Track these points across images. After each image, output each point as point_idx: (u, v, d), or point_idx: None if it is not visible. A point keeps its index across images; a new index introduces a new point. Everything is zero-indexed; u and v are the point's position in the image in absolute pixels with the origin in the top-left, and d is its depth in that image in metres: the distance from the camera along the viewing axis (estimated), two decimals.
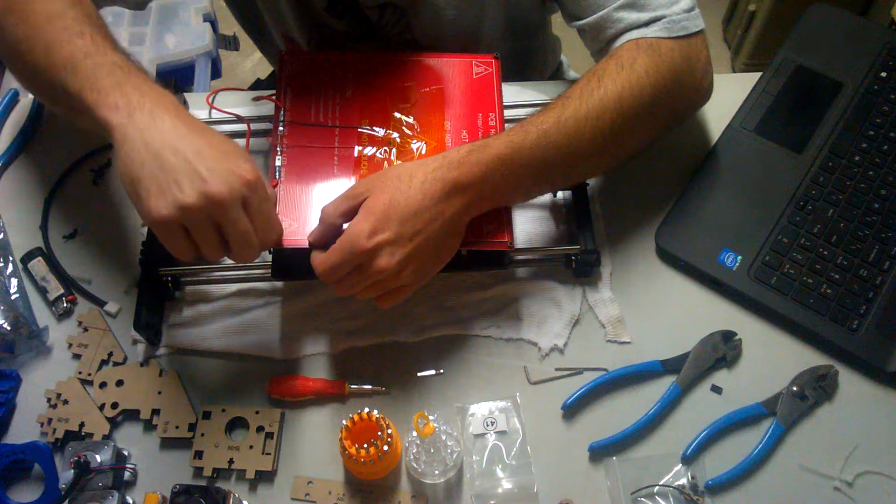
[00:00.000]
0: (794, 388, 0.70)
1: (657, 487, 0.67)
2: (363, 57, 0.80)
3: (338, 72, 0.78)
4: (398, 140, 0.75)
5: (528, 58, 1.00)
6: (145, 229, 0.77)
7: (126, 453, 0.69)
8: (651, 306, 0.76)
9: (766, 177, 0.80)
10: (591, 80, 0.69)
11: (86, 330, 0.75)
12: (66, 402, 0.71)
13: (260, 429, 0.69)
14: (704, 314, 0.75)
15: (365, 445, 0.63)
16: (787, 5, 1.66)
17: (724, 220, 0.78)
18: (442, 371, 0.73)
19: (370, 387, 0.72)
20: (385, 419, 0.65)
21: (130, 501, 0.67)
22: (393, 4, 0.82)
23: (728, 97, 0.84)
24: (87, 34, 0.64)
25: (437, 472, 0.66)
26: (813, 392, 0.70)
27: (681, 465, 0.68)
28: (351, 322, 0.74)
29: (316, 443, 0.70)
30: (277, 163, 0.73)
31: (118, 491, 0.66)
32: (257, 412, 0.70)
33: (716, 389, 0.72)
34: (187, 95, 0.85)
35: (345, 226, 0.65)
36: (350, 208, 0.64)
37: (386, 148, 0.74)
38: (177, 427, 0.70)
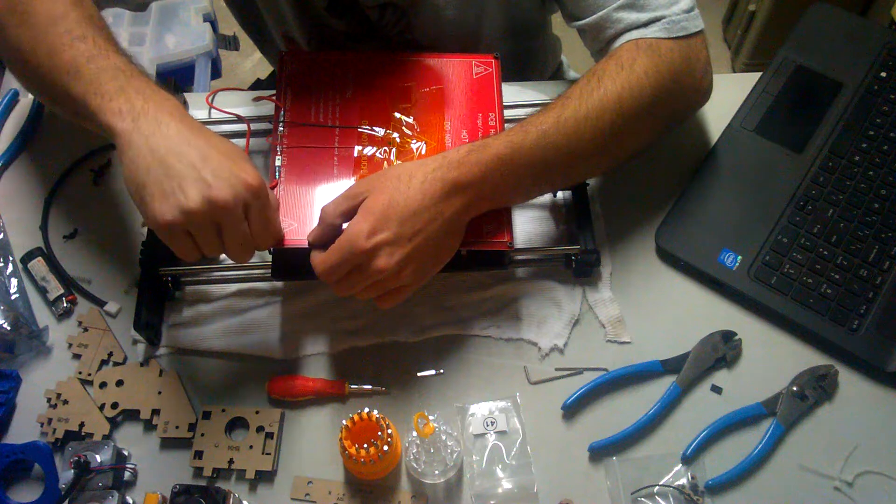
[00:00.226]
0: (794, 388, 0.70)
1: (657, 487, 0.67)
2: (363, 57, 0.80)
3: (338, 72, 0.78)
4: (398, 140, 0.75)
5: (528, 58, 1.00)
6: (145, 229, 0.77)
7: (126, 453, 0.69)
8: (651, 306, 0.76)
9: (766, 177, 0.80)
10: (591, 81, 0.69)
11: (86, 330, 0.75)
12: (66, 402, 0.71)
13: (260, 429, 0.69)
14: (704, 314, 0.75)
15: (365, 445, 0.63)
16: (787, 5, 1.66)
17: (724, 220, 0.78)
18: (442, 371, 0.73)
19: (370, 387, 0.72)
20: (385, 419, 0.65)
21: (130, 501, 0.67)
22: (393, 4, 0.82)
23: (728, 97, 0.84)
24: (90, 37, 0.64)
25: (437, 472, 0.66)
26: (813, 392, 0.70)
27: (681, 465, 0.68)
28: (351, 322, 0.74)
29: (316, 443, 0.70)
30: (277, 163, 0.73)
31: (118, 491, 0.66)
32: (257, 412, 0.70)
33: (716, 389, 0.72)
34: (187, 95, 0.85)
35: (344, 226, 0.65)
36: (350, 208, 0.64)
37: (386, 148, 0.74)
38: (177, 427, 0.70)
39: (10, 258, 0.78)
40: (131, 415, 0.71)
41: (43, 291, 0.77)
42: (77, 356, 0.74)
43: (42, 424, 0.70)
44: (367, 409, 0.64)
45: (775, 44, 0.88)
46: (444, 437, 0.65)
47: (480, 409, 0.71)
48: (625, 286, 0.76)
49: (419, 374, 0.73)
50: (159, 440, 0.70)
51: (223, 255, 0.64)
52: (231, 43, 1.44)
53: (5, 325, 0.72)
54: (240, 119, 0.80)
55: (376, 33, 0.86)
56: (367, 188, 0.65)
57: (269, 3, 0.86)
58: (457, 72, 0.79)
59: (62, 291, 0.76)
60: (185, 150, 0.58)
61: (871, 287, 0.74)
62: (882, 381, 0.72)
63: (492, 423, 0.70)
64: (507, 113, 0.78)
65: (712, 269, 0.75)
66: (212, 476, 0.68)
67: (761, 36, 1.76)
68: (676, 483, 0.67)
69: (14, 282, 0.77)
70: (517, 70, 0.95)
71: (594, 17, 0.74)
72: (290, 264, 0.72)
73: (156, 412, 0.71)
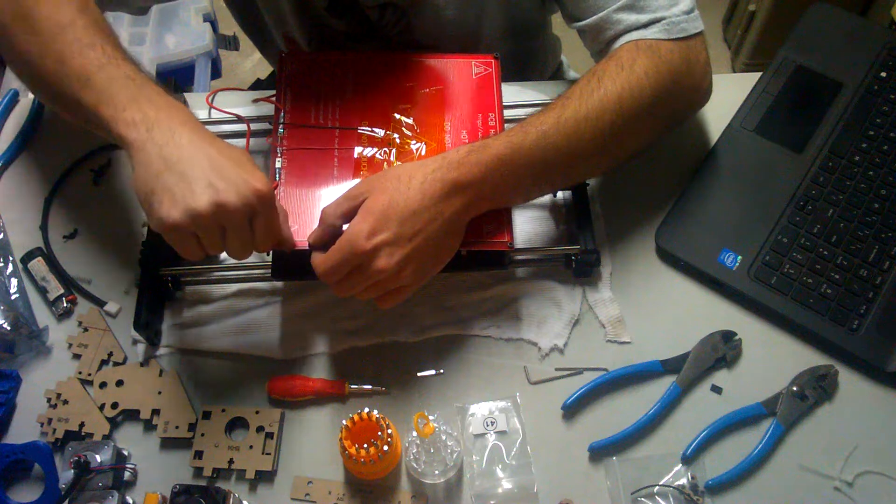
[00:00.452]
0: (794, 388, 0.70)
1: (657, 487, 0.67)
2: (363, 57, 0.80)
3: (338, 72, 0.78)
4: (398, 141, 0.75)
5: (528, 58, 1.00)
6: (145, 229, 0.77)
7: (126, 453, 0.69)
8: (651, 306, 0.76)
9: (766, 177, 0.80)
10: (591, 81, 0.69)
11: (86, 330, 0.75)
12: (66, 402, 0.71)
13: (260, 429, 0.70)
14: (704, 314, 0.75)
15: (365, 445, 0.63)
16: (787, 5, 1.66)
17: (724, 220, 0.78)
18: (442, 371, 0.73)
19: (370, 387, 0.72)
20: (385, 419, 0.65)
21: (130, 501, 0.67)
22: (393, 4, 0.82)
23: (728, 97, 0.84)
24: (99, 45, 0.64)
25: (437, 472, 0.66)
26: (813, 392, 0.70)
27: (681, 465, 0.68)
28: (351, 322, 0.74)
29: (316, 443, 0.70)
30: (277, 164, 0.73)
31: (118, 491, 0.66)
32: (257, 412, 0.70)
33: (716, 389, 0.72)
34: (187, 95, 0.85)
35: (345, 227, 0.65)
36: (350, 209, 0.64)
37: (386, 149, 0.74)
38: (177, 427, 0.70)
39: (10, 258, 0.78)
40: (131, 415, 0.71)
41: (43, 291, 0.77)
42: (77, 356, 0.74)
43: (42, 424, 0.70)
44: (367, 409, 0.64)
45: (775, 44, 0.88)
46: (444, 437, 0.65)
47: (480, 409, 0.71)
48: (625, 286, 0.76)
49: (419, 374, 0.73)
50: (159, 440, 0.70)
51: (223, 255, 0.64)
52: (231, 43, 1.45)
53: (5, 325, 0.72)
54: (240, 119, 0.80)
55: (376, 33, 0.86)
56: (367, 189, 0.65)
57: (270, 4, 0.86)
58: (457, 72, 0.79)
59: (62, 291, 0.76)
60: (197, 157, 0.59)
61: (871, 287, 0.74)
62: (882, 381, 0.72)
63: (492, 423, 0.70)
64: (507, 113, 0.78)
65: (712, 269, 0.75)
66: (212, 476, 0.68)
67: (761, 36, 1.76)
68: (676, 483, 0.67)
69: (14, 282, 0.77)
70: (517, 70, 0.95)
71: (594, 18, 0.74)
72: (290, 264, 0.72)
73: (156, 412, 0.71)
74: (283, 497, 0.68)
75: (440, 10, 0.82)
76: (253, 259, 0.66)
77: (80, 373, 0.72)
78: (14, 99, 0.88)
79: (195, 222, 0.57)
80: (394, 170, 0.66)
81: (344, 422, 0.64)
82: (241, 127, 0.80)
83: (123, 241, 0.79)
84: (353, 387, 0.72)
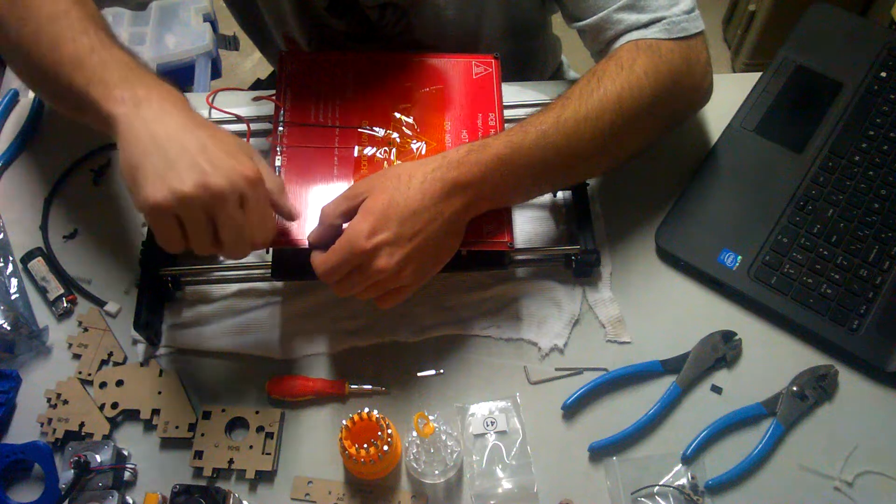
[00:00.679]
0: (794, 388, 0.70)
1: (657, 487, 0.67)
2: (363, 57, 0.80)
3: (338, 72, 0.78)
4: (398, 140, 0.75)
5: (529, 58, 1.00)
6: (145, 229, 0.78)
7: (126, 453, 0.69)
8: (651, 306, 0.76)
9: (766, 177, 0.80)
10: (591, 81, 0.69)
11: (86, 330, 0.75)
12: (66, 402, 0.71)
13: (260, 429, 0.69)
14: (704, 314, 0.75)
15: (365, 445, 0.63)
16: (787, 5, 1.66)
17: (724, 220, 0.78)
18: (442, 371, 0.73)
19: (370, 387, 0.72)
20: (385, 419, 0.65)
21: (130, 501, 0.67)
22: (393, 4, 0.82)
23: (728, 97, 0.84)
24: (92, 31, 0.64)
25: (437, 472, 0.66)
26: (813, 392, 0.70)
27: (681, 465, 0.68)
28: (351, 322, 0.74)
29: (316, 443, 0.70)
30: (277, 163, 0.73)
31: (118, 491, 0.66)
32: (257, 412, 0.70)
33: (716, 389, 0.72)
34: (187, 95, 0.85)
35: (345, 226, 0.65)
36: (350, 208, 0.64)
37: (386, 148, 0.74)
38: (177, 427, 0.70)
39: (10, 258, 0.78)
40: (131, 415, 0.71)
41: (43, 291, 0.77)
42: (77, 356, 0.74)
43: (42, 424, 0.70)
44: (367, 409, 0.64)
45: (775, 44, 0.88)
46: (444, 437, 0.65)
47: (480, 409, 0.71)
48: (625, 286, 0.76)
49: (419, 374, 0.73)
50: (159, 440, 0.70)
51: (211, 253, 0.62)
52: (231, 43, 1.44)
53: (5, 325, 0.72)
54: (240, 119, 0.80)
55: (377, 33, 0.86)
56: (367, 188, 0.65)
57: (270, 4, 0.86)
58: (457, 72, 0.79)
59: (62, 291, 0.76)
60: (186, 137, 0.58)
61: (871, 287, 0.74)
62: (882, 381, 0.72)
63: (492, 423, 0.70)
64: (507, 113, 0.78)
65: (712, 269, 0.75)
66: (212, 476, 0.68)
67: (761, 36, 1.76)
68: (676, 483, 0.67)
69: (14, 282, 0.77)
70: (517, 70, 0.95)
71: (594, 18, 0.74)
72: (290, 264, 0.72)
73: (156, 412, 0.71)
74: (283, 497, 0.68)
75: (440, 10, 0.82)
76: (253, 259, 0.65)
77: (80, 373, 0.72)
78: (14, 99, 0.88)
79: (180, 203, 0.56)
80: (394, 169, 0.66)
81: (344, 422, 0.64)
82: (241, 127, 0.80)
83: (123, 241, 0.79)
84: (353, 387, 0.72)
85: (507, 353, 0.74)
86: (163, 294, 0.75)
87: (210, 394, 0.72)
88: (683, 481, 0.67)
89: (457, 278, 0.76)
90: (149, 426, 0.71)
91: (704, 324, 0.74)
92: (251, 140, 0.78)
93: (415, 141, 0.75)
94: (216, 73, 1.40)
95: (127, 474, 0.68)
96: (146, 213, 0.57)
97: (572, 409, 0.71)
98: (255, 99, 0.82)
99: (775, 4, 1.67)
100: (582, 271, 0.76)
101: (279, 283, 0.76)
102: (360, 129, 0.75)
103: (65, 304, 0.75)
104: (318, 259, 0.64)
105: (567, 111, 0.67)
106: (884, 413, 0.71)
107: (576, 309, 0.75)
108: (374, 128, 0.75)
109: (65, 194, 0.82)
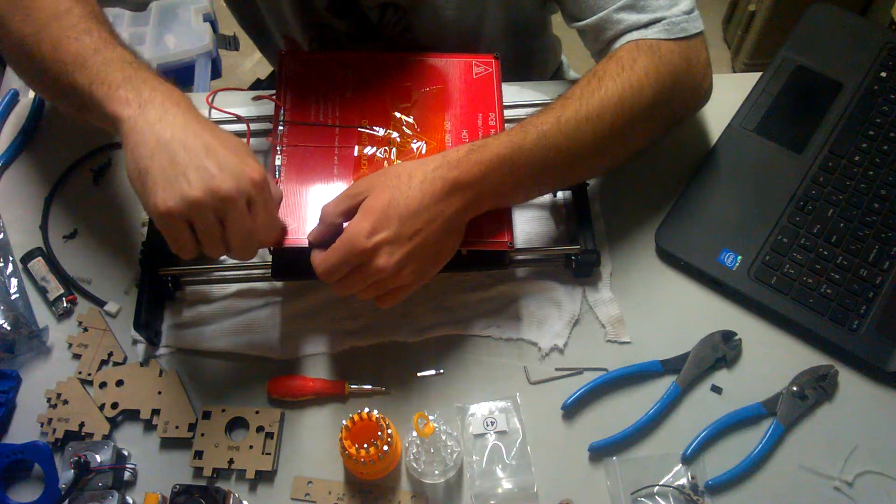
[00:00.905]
0: (794, 388, 0.70)
1: (657, 487, 0.67)
2: (363, 57, 0.80)
3: (338, 72, 0.78)
4: (398, 140, 0.75)
5: (529, 58, 1.00)
6: (145, 229, 0.77)
7: (126, 453, 0.69)
8: (651, 306, 0.76)
9: (766, 177, 0.80)
10: (592, 81, 0.69)
11: (86, 330, 0.75)
12: (66, 402, 0.71)
13: (260, 429, 0.69)
14: (704, 314, 0.75)
15: (365, 445, 0.63)
16: (787, 5, 1.66)
17: (724, 220, 0.78)
18: (442, 371, 0.73)
19: (370, 387, 0.72)
20: (385, 419, 0.65)
21: (130, 501, 0.67)
22: (394, 4, 0.82)
23: (728, 97, 0.84)
24: (95, 31, 0.64)
25: (437, 472, 0.66)
26: (813, 392, 0.70)
27: (681, 465, 0.68)
28: (351, 322, 0.74)
29: (316, 443, 0.70)
30: (277, 162, 0.73)
31: (118, 491, 0.66)
32: (257, 412, 0.70)
33: (716, 389, 0.72)
34: (187, 95, 0.85)
35: (345, 225, 0.65)
36: (350, 207, 0.64)
37: (386, 148, 0.74)
38: (177, 427, 0.70)
39: (10, 258, 0.78)
40: (131, 415, 0.71)
41: (43, 291, 0.77)
42: (77, 356, 0.74)
43: (42, 424, 0.70)
44: (367, 409, 0.64)
45: (775, 44, 0.88)
46: (444, 437, 0.65)
47: (480, 409, 0.71)
48: (625, 286, 0.76)
49: (419, 374, 0.73)
50: (159, 440, 0.70)
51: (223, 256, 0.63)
52: (231, 43, 1.44)
53: (5, 325, 0.72)
54: (240, 119, 0.80)
55: (377, 33, 0.86)
56: (367, 187, 0.65)
57: (270, 4, 0.86)
58: (457, 72, 0.79)
59: (62, 291, 0.76)
60: (191, 140, 0.58)
61: (871, 287, 0.74)
62: (882, 381, 0.72)
63: (492, 423, 0.70)
64: (507, 113, 0.78)
65: (712, 269, 0.75)
66: (212, 476, 0.68)
67: (761, 36, 1.77)
68: (676, 483, 0.67)
69: (14, 282, 0.77)
70: (517, 70, 0.95)
71: (595, 18, 0.74)
72: (290, 264, 0.72)
73: (156, 412, 0.71)
74: (283, 497, 0.68)
75: (440, 10, 0.82)
76: (253, 259, 0.65)
77: (80, 373, 0.72)
78: (14, 99, 0.88)
79: (190, 208, 0.56)
80: (394, 168, 0.66)
81: (344, 422, 0.64)
82: (241, 127, 0.80)
83: (123, 241, 0.79)
84: (353, 387, 0.72)
85: (507, 353, 0.74)
86: (163, 294, 0.75)
87: (210, 394, 0.72)
88: (683, 481, 0.67)
89: (457, 278, 0.76)
90: (149, 426, 0.71)
91: (704, 324, 0.74)
92: (251, 140, 0.78)
93: (415, 140, 0.75)
94: (216, 73, 1.40)
95: (127, 474, 0.68)
96: (157, 219, 0.58)
97: (572, 410, 0.71)
98: (255, 99, 0.82)
99: (775, 4, 1.67)
100: (582, 271, 0.76)
101: (279, 283, 0.76)
102: (360, 129, 0.75)
103: (65, 304, 0.75)
104: (318, 258, 0.64)
105: (568, 111, 0.67)
106: (884, 413, 0.71)
107: (576, 309, 0.75)
108: (374, 127, 0.75)
109: (65, 194, 0.82)
